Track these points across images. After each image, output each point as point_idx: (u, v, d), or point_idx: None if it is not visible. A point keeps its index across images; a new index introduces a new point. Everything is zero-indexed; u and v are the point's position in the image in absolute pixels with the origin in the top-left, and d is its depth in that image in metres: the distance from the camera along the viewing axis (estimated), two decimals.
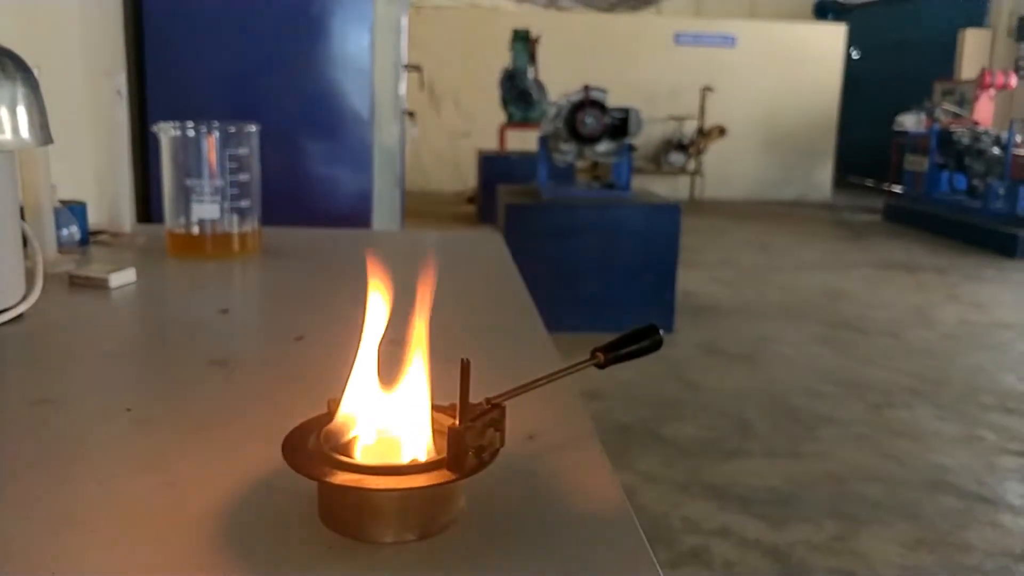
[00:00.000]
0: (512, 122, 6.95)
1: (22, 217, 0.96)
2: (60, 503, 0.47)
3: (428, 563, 0.41)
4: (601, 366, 0.57)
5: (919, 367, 3.52)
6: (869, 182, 10.71)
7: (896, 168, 8.55)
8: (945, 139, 7.27)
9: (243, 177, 1.10)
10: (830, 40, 9.52)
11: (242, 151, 1.10)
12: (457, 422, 0.42)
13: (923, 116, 8.09)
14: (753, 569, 1.97)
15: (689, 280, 4.74)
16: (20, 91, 0.78)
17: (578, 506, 0.48)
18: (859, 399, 3.12)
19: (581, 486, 0.51)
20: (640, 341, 0.59)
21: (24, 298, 0.82)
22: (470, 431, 0.42)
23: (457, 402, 0.42)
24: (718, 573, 1.96)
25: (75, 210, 1.12)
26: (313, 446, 0.44)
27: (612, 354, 0.58)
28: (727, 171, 9.37)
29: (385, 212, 1.85)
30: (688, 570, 1.97)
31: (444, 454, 0.43)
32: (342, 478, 0.41)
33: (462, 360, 0.42)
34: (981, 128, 7.22)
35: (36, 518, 0.45)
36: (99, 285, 0.93)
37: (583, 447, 0.56)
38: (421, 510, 0.43)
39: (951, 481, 2.44)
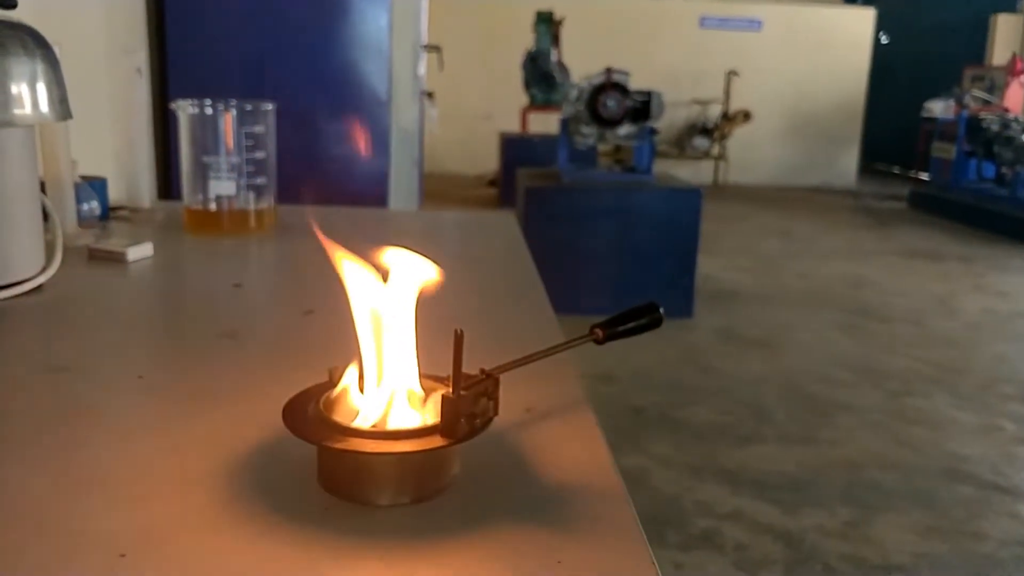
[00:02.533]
0: (534, 105, 6.93)
1: (43, 192, 0.98)
2: (71, 463, 0.49)
3: (422, 525, 0.43)
4: (599, 342, 0.58)
5: (940, 356, 3.49)
6: (895, 169, 10.58)
7: (923, 155, 8.44)
8: (974, 126, 7.15)
9: (259, 155, 1.12)
10: (858, 24, 9.38)
11: (258, 129, 1.11)
12: (450, 391, 0.43)
13: (952, 102, 7.96)
14: (764, 553, 1.97)
15: (710, 265, 4.73)
16: (40, 67, 0.80)
17: (570, 475, 0.49)
18: (877, 387, 3.11)
19: (574, 457, 0.52)
20: (639, 318, 0.60)
21: (43, 270, 0.84)
22: (463, 399, 0.43)
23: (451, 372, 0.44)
24: (729, 556, 1.96)
25: (95, 186, 1.14)
26: (312, 412, 0.46)
27: (610, 330, 0.59)
28: (751, 156, 9.29)
29: (402, 193, 1.86)
30: (699, 553, 1.98)
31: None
32: (338, 442, 0.43)
33: (455, 330, 0.43)
34: (1011, 115, 7.10)
35: (48, 477, 0.47)
36: (117, 259, 0.95)
37: (578, 421, 0.57)
38: (415, 474, 0.45)
39: (968, 470, 2.42)
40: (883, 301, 4.40)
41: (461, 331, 0.43)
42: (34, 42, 0.81)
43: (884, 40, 10.39)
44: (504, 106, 8.07)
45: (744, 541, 2.02)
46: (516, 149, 6.61)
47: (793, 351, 3.54)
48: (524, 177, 4.10)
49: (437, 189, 7.49)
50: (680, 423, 2.72)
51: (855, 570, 1.91)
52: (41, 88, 0.80)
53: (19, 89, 0.77)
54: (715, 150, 9.18)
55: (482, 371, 0.47)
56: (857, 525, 2.10)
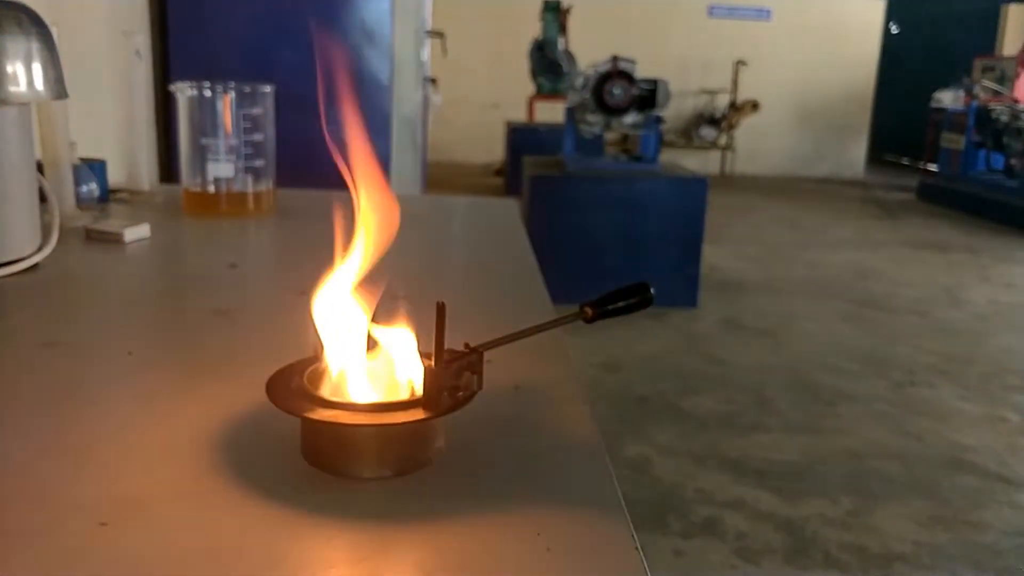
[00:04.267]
0: (541, 93, 6.91)
1: (41, 173, 0.98)
2: (56, 435, 0.49)
3: (403, 498, 0.43)
4: (588, 320, 0.58)
5: (945, 346, 3.48)
6: (904, 160, 10.52)
7: (932, 146, 8.38)
8: (983, 117, 7.11)
9: (257, 137, 1.12)
10: (868, 14, 9.31)
11: (256, 111, 1.11)
12: (433, 364, 0.43)
13: (962, 93, 7.91)
14: (765, 541, 1.97)
15: (716, 255, 4.71)
16: (35, 45, 0.80)
17: (556, 453, 0.49)
18: (882, 377, 3.10)
19: (561, 435, 0.52)
20: (629, 297, 0.60)
21: (39, 249, 0.85)
22: (445, 372, 0.43)
23: (433, 345, 0.43)
24: (730, 544, 1.97)
25: (94, 167, 1.14)
26: (295, 385, 0.46)
27: (600, 309, 0.59)
28: (759, 146, 9.25)
29: (406, 179, 1.86)
30: (700, 541, 1.98)
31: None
32: (319, 414, 0.43)
33: (437, 303, 0.43)
34: (1021, 106, 7.05)
35: (32, 448, 0.47)
36: (114, 239, 0.95)
37: (568, 400, 0.57)
38: (398, 447, 0.45)
39: (971, 460, 2.42)
40: (890, 291, 4.38)
41: (443, 304, 0.43)
42: (29, 20, 0.81)
43: (894, 30, 10.32)
44: (511, 95, 8.05)
45: (745, 529, 2.02)
46: (523, 138, 6.59)
47: (798, 341, 3.53)
48: (529, 166, 4.09)
49: (443, 178, 7.49)
50: (684, 412, 2.72)
51: (855, 559, 1.91)
52: (36, 67, 0.80)
53: (13, 67, 0.78)
54: (723, 140, 9.14)
55: (466, 345, 0.47)
56: (859, 514, 2.10)
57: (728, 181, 8.65)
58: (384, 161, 1.73)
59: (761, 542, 1.97)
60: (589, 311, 0.58)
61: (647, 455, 2.38)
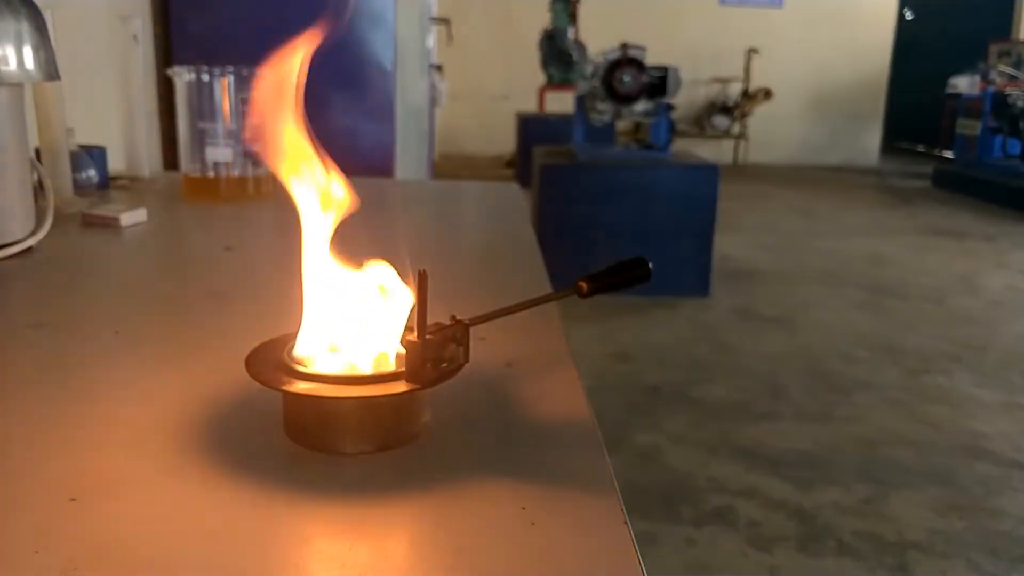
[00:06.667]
0: (551, 84, 6.88)
1: (38, 159, 0.97)
2: (34, 412, 0.48)
3: (386, 473, 0.41)
4: (584, 295, 0.57)
5: (961, 334, 3.44)
6: (919, 147, 10.41)
7: (947, 132, 8.29)
8: (999, 102, 7.02)
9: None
10: (882, 0, 9.22)
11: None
12: (415, 335, 0.42)
13: (977, 78, 7.82)
14: (778, 530, 1.95)
15: (729, 244, 4.68)
16: (25, 26, 0.79)
17: (547, 430, 0.48)
18: (896, 364, 3.07)
19: (553, 412, 0.50)
20: (626, 272, 0.59)
21: (33, 233, 0.84)
22: (428, 344, 0.42)
23: (415, 315, 0.42)
24: (743, 533, 1.95)
25: (93, 154, 1.14)
26: (276, 360, 0.44)
27: (595, 284, 0.57)
28: (772, 135, 9.18)
29: (411, 167, 1.84)
30: (712, 529, 1.96)
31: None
32: (298, 387, 0.41)
33: (419, 271, 0.41)
34: None
35: (8, 425, 0.46)
36: (110, 224, 0.94)
37: (561, 377, 0.55)
38: (380, 421, 0.43)
39: (987, 448, 2.39)
40: (904, 279, 4.34)
41: (424, 272, 0.41)
42: (19, 1, 0.80)
43: (908, 16, 10.20)
44: (522, 86, 8.02)
45: (758, 518, 2.00)
46: (533, 129, 6.57)
47: (811, 329, 3.50)
48: (539, 155, 4.07)
49: (454, 170, 7.47)
50: (695, 401, 2.69)
51: (869, 547, 1.89)
52: (27, 48, 0.79)
53: (3, 48, 0.77)
54: (735, 129, 9.08)
55: (452, 317, 0.45)
56: (873, 502, 2.07)
57: (741, 170, 8.59)
58: (389, 149, 1.72)
59: (774, 530, 1.95)
60: (584, 286, 0.56)
61: (658, 444, 2.36)
